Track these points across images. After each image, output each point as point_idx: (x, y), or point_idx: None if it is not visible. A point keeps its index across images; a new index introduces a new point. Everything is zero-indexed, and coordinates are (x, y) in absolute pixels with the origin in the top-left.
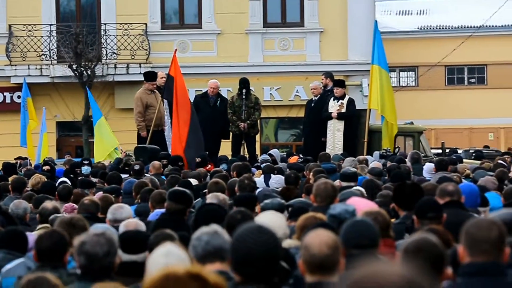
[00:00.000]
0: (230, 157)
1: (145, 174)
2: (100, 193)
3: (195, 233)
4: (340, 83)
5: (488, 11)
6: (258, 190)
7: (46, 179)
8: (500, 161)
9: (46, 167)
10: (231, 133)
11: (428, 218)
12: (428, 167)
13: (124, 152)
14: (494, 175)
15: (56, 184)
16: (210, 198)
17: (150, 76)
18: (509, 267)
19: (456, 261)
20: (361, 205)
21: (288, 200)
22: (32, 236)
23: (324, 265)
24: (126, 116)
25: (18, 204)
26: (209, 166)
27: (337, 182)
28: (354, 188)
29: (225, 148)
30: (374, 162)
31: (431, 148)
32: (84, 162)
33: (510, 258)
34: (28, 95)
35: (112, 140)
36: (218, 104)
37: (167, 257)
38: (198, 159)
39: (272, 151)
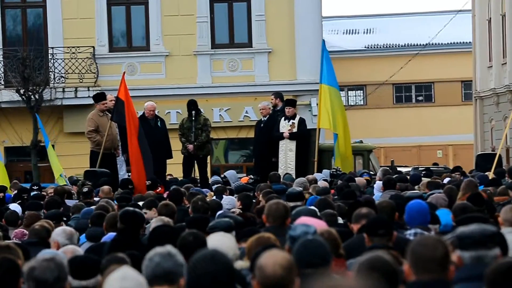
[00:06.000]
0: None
1: (94, 198)
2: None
3: (149, 253)
4: (292, 103)
5: (434, 29)
6: (219, 213)
7: None
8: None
9: None
10: (175, 153)
11: (379, 235)
12: (378, 185)
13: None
14: (443, 191)
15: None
16: (155, 221)
17: (100, 97)
18: (453, 284)
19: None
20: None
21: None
22: None
23: (278, 286)
24: (75, 140)
25: None
26: (160, 188)
27: None
28: (309, 207)
29: (177, 170)
30: (321, 181)
31: (381, 166)
32: (33, 187)
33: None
34: None
35: (57, 166)
36: (159, 124)
37: (123, 281)
38: (148, 182)
39: (227, 173)
